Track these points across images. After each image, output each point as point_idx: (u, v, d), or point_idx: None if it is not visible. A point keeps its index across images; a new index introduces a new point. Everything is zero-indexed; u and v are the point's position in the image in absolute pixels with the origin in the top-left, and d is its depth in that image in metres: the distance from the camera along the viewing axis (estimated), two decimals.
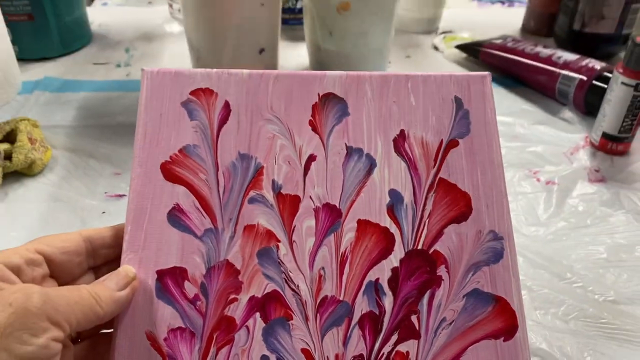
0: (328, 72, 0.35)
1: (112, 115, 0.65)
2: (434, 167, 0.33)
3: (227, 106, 0.34)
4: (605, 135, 0.59)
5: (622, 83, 0.56)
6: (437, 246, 0.32)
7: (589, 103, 0.66)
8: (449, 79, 0.35)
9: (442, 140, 0.33)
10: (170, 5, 0.94)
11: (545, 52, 0.72)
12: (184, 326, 0.30)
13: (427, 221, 0.32)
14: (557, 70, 0.69)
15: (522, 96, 0.72)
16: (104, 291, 0.28)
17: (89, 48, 0.80)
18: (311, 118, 0.34)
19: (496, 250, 0.32)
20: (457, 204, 0.33)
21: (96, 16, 0.87)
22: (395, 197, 0.33)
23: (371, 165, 0.33)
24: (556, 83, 0.69)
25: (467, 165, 0.33)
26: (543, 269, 0.46)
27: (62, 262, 0.30)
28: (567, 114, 0.67)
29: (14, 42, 0.68)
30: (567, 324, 0.42)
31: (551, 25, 0.84)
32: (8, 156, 0.53)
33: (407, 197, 0.33)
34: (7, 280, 0.26)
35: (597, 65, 0.67)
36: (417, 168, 0.33)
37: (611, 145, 0.60)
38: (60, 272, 0.30)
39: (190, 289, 0.30)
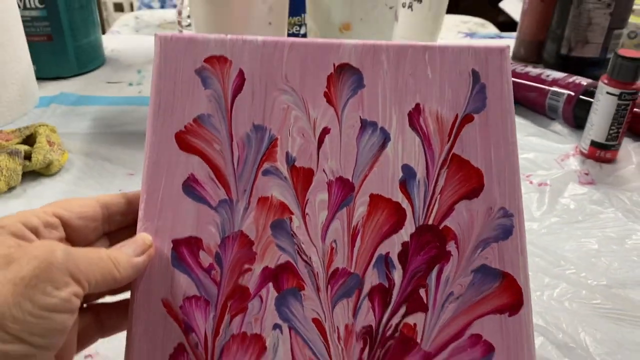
0: (344, 41, 0.34)
1: (125, 125, 0.66)
2: (447, 142, 0.33)
3: (241, 75, 0.33)
4: (593, 144, 0.61)
5: (607, 93, 0.58)
6: (448, 222, 0.32)
7: (577, 117, 0.68)
8: (467, 51, 0.34)
9: (457, 115, 0.33)
10: (180, 31, 0.92)
11: (535, 71, 0.75)
12: (199, 294, 0.30)
13: (438, 197, 0.32)
14: (546, 87, 0.71)
15: (515, 112, 0.71)
16: (121, 256, 0.28)
17: (102, 69, 0.82)
18: (326, 89, 0.33)
19: (506, 227, 0.32)
20: (469, 181, 0.32)
21: (109, 42, 0.89)
22: (408, 172, 0.32)
23: (385, 139, 0.33)
24: (546, 99, 0.71)
25: (481, 141, 0.33)
26: (538, 257, 0.47)
27: (78, 226, 0.30)
28: (558, 127, 0.69)
29: (33, 60, 0.70)
30: (562, 304, 0.42)
31: (540, 52, 0.88)
32: (27, 156, 0.54)
33: (420, 172, 0.32)
34: (26, 239, 0.27)
35: (584, 81, 0.69)
36: (431, 143, 0.33)
37: (599, 153, 0.61)
38: (76, 236, 0.30)
39: (205, 259, 0.31)
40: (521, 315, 0.31)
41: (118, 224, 0.32)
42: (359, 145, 0.33)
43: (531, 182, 0.57)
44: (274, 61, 0.33)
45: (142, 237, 0.30)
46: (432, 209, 0.32)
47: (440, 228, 0.32)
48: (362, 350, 0.31)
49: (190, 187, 0.31)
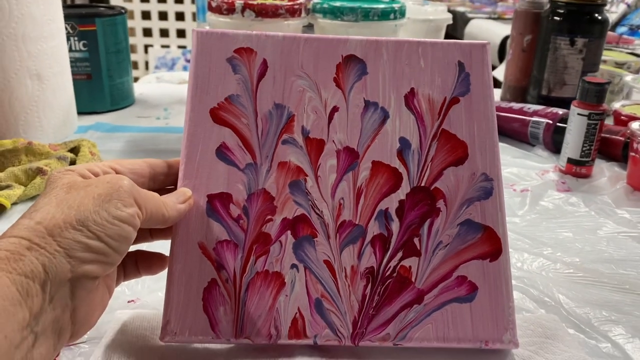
0: (350, 37, 0.39)
1: (156, 145, 0.72)
2: (437, 119, 0.38)
3: (264, 63, 0.38)
4: (570, 160, 0.66)
5: (578, 114, 0.64)
6: (437, 184, 0.36)
7: (556, 141, 0.74)
8: (454, 46, 0.39)
9: (445, 98, 0.38)
10: None
11: (518, 105, 0.82)
12: (229, 239, 0.35)
13: (430, 164, 0.37)
14: (527, 117, 0.78)
15: (501, 141, 0.76)
16: (168, 200, 0.32)
17: (132, 107, 0.90)
18: (335, 75, 0.38)
19: (487, 189, 0.36)
20: (455, 151, 0.37)
21: (138, 88, 0.97)
22: (404, 143, 0.37)
23: (385, 116, 0.38)
24: (527, 127, 0.77)
25: (466, 119, 0.38)
26: (520, 241, 0.50)
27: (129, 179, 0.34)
28: (539, 151, 0.75)
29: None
30: (540, 274, 0.46)
31: (524, 96, 0.96)
32: (72, 162, 0.60)
33: (414, 143, 0.37)
34: (89, 178, 0.31)
35: (560, 111, 0.76)
36: (424, 120, 0.38)
37: (575, 169, 0.66)
38: None
39: (235, 210, 0.35)
40: (500, 261, 0.35)
41: (160, 184, 0.36)
42: (363, 121, 0.37)
43: (514, 189, 0.61)
44: (292, 52, 0.38)
45: (183, 190, 0.35)
46: (425, 174, 0.37)
47: (431, 189, 0.36)
48: (365, 287, 0.34)
49: (222, 152, 0.36)
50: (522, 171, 0.66)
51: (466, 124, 0.37)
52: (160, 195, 0.34)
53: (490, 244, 0.35)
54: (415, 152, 0.37)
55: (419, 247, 0.35)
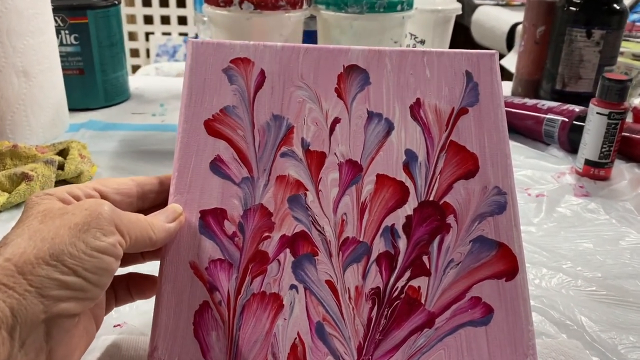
0: (352, 47, 0.38)
1: (150, 145, 0.71)
2: (445, 130, 0.36)
3: (262, 74, 0.37)
4: (587, 162, 0.65)
5: (597, 113, 0.63)
6: (447, 198, 0.35)
7: (572, 140, 0.72)
8: (461, 55, 0.38)
9: (453, 108, 0.37)
10: None
11: (531, 101, 0.80)
12: (223, 258, 0.33)
13: (438, 177, 0.36)
14: (542, 115, 0.76)
15: (514, 139, 0.76)
16: (156, 221, 0.31)
17: (127, 103, 0.88)
18: (337, 86, 0.37)
19: (500, 203, 0.35)
20: (465, 163, 0.36)
21: (133, 82, 0.96)
22: (411, 155, 0.36)
23: (389, 128, 0.36)
24: (542, 125, 0.75)
25: (476, 130, 0.36)
26: (536, 254, 0.49)
27: (115, 201, 0.33)
28: (554, 151, 0.73)
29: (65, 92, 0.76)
30: (560, 291, 0.45)
31: (537, 90, 0.94)
32: (61, 167, 0.58)
33: (421, 156, 0.36)
34: (69, 203, 0.30)
35: (577, 108, 0.74)
36: (431, 131, 0.36)
37: (594, 171, 0.65)
38: None
39: (229, 227, 0.34)
40: (517, 281, 0.34)
41: (151, 202, 0.35)
42: (366, 132, 0.36)
43: (529, 194, 0.60)
44: (291, 62, 0.37)
45: (173, 206, 0.33)
46: (433, 188, 0.35)
47: (440, 204, 0.35)
48: (371, 309, 0.33)
49: (217, 166, 0.35)
50: (537, 174, 0.64)
51: (476, 135, 0.36)
52: (151, 213, 0.33)
53: (506, 262, 0.34)
54: (423, 164, 0.36)
55: (428, 266, 0.34)
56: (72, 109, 0.79)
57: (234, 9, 0.66)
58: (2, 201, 0.52)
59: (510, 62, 1.58)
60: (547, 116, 0.75)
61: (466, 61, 0.38)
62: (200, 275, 0.33)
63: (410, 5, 0.73)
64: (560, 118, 0.73)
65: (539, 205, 0.58)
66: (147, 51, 2.24)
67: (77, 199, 0.31)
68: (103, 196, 0.33)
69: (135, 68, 2.13)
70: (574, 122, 0.72)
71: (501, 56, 1.65)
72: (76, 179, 0.58)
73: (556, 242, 0.51)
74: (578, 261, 0.48)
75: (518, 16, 1.83)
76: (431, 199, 0.35)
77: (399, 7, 0.71)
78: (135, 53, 2.23)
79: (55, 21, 0.76)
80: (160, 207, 0.35)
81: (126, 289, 0.35)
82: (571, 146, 0.72)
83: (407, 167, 0.36)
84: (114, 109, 0.84)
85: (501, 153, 0.36)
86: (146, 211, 0.35)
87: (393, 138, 0.36)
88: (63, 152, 0.60)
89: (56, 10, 0.75)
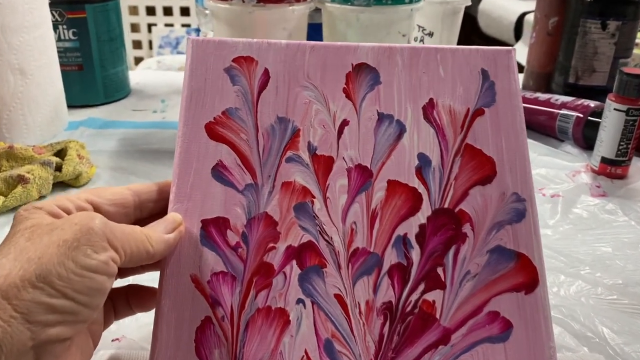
0: (361, 44, 0.36)
1: (150, 144, 0.69)
2: (460, 133, 0.34)
3: (266, 73, 0.35)
4: (604, 160, 0.62)
5: (615, 109, 0.60)
6: (463, 206, 0.33)
7: (587, 137, 0.70)
8: (477, 53, 0.36)
9: (468, 109, 0.35)
10: None
11: (544, 96, 0.78)
12: (226, 270, 0.32)
13: (453, 183, 0.34)
14: (555, 110, 0.74)
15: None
16: (154, 232, 0.30)
17: (128, 99, 0.86)
18: (345, 86, 0.35)
19: (519, 210, 0.33)
20: (482, 168, 0.34)
21: (134, 77, 0.94)
22: (424, 160, 0.34)
23: (401, 130, 0.34)
24: (555, 121, 0.73)
25: (492, 132, 0.35)
26: (553, 259, 0.47)
27: (109, 212, 0.31)
28: (568, 147, 0.71)
29: (64, 89, 0.74)
30: (579, 300, 0.43)
31: (548, 83, 0.91)
32: (58, 168, 0.57)
33: (435, 160, 0.34)
34: (60, 217, 0.28)
35: (592, 103, 0.71)
36: (445, 134, 0.34)
37: (610, 169, 0.62)
38: None
39: (232, 237, 0.32)
40: (537, 294, 0.32)
41: (149, 211, 0.34)
42: (377, 135, 0.34)
43: (544, 194, 0.58)
44: (297, 61, 0.35)
45: (173, 216, 0.32)
46: (447, 194, 0.34)
47: (455, 211, 0.33)
48: (383, 324, 0.32)
49: (219, 172, 0.33)
50: (551, 172, 0.62)
51: (493, 138, 0.34)
52: (150, 223, 0.31)
53: (525, 274, 0.32)
54: (437, 169, 0.34)
55: (443, 278, 0.32)
56: (71, 105, 0.77)
57: (237, 3, 0.64)
58: None
59: (519, 53, 1.56)
60: (561, 112, 0.73)
61: (482, 58, 0.36)
62: (202, 289, 0.31)
63: None
64: (574, 114, 0.71)
65: (554, 207, 0.56)
66: (150, 43, 2.22)
67: (68, 212, 0.29)
68: (96, 208, 0.31)
69: (137, 60, 2.11)
70: (589, 117, 0.70)
71: (509, 46, 1.63)
72: (74, 180, 0.56)
73: (573, 245, 0.49)
74: (597, 267, 0.46)
75: (526, 5, 1.80)
76: (446, 206, 0.33)
77: None
78: (137, 45, 2.21)
79: (53, 16, 0.74)
80: (160, 216, 0.33)
81: (125, 301, 0.34)
82: (586, 143, 0.70)
83: (420, 172, 0.34)
84: (113, 105, 0.83)
85: (520, 157, 0.34)
86: (144, 221, 0.34)
87: (405, 141, 0.34)
88: (61, 153, 0.59)
89: (53, 4, 0.73)
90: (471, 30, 1.97)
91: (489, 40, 1.94)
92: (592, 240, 0.50)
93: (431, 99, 0.35)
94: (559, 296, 0.43)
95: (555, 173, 0.62)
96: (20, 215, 0.27)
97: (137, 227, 0.29)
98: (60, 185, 0.57)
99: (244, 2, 0.64)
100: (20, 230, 0.26)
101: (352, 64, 0.36)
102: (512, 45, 1.54)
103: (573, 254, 0.48)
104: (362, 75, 0.35)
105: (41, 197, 0.55)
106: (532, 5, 1.54)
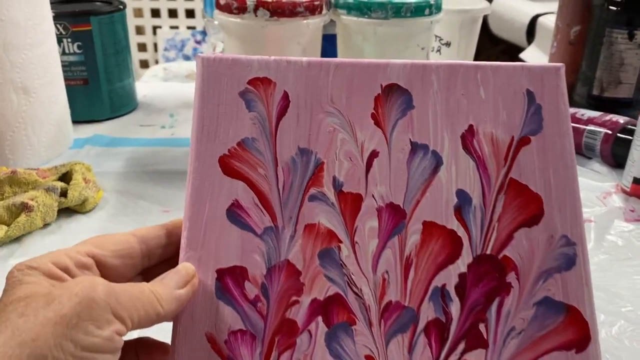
0: (391, 61, 0.32)
1: (158, 164, 0.65)
2: (504, 166, 0.31)
3: (286, 97, 0.31)
4: (636, 180, 0.59)
5: None
6: (507, 251, 0.29)
7: (616, 155, 0.66)
8: (521, 70, 0.32)
9: (513, 137, 0.31)
10: None
11: (569, 110, 0.72)
12: (244, 328, 0.28)
13: (496, 224, 0.30)
14: (582, 126, 0.70)
15: None
16: (163, 289, 0.26)
17: (135, 113, 0.83)
18: (373, 111, 0.31)
19: (568, 256, 0.29)
20: (528, 207, 0.30)
21: (141, 89, 0.90)
22: (463, 198, 0.30)
23: (437, 163, 0.31)
24: (582, 137, 0.69)
25: (539, 164, 0.31)
26: None
27: (115, 266, 0.28)
28: (596, 165, 0.67)
29: (69, 104, 0.71)
30: (622, 343, 0.39)
31: (570, 94, 0.87)
32: (63, 193, 0.53)
33: (476, 198, 0.30)
34: (60, 279, 0.25)
35: (621, 119, 0.67)
36: (487, 167, 0.31)
37: None
38: (112, 275, 0.28)
39: (251, 290, 0.29)
40: (589, 352, 0.28)
41: (158, 258, 0.30)
42: (410, 169, 0.31)
43: None
44: (320, 82, 0.31)
45: (185, 267, 0.28)
46: (490, 238, 0.30)
47: (499, 258, 0.29)
48: None
49: (235, 213, 0.30)
50: (581, 194, 0.58)
51: (540, 171, 0.30)
52: (158, 270, 0.27)
53: (576, 330, 0.29)
54: (478, 208, 0.30)
55: (485, 336, 0.28)
56: (76, 121, 0.74)
57: (248, 17, 0.61)
58: (0, 235, 0.47)
59: (533, 57, 1.51)
60: (588, 127, 0.69)
61: (527, 77, 0.31)
62: (219, 350, 0.28)
63: (438, 9, 0.67)
64: (602, 130, 0.67)
65: (587, 234, 0.51)
66: (155, 45, 2.19)
67: (67, 270, 0.26)
68: (99, 262, 0.27)
69: (142, 63, 2.09)
70: (619, 134, 0.66)
71: (520, 49, 1.58)
72: (80, 206, 0.53)
73: (610, 278, 0.45)
74: (639, 303, 0.42)
75: (538, 7, 1.75)
76: (488, 252, 0.29)
77: (426, 11, 0.65)
78: (142, 47, 2.18)
79: (57, 29, 0.71)
80: (169, 263, 0.30)
81: (134, 355, 0.30)
82: (615, 161, 0.66)
83: (459, 212, 0.30)
84: (120, 120, 0.79)
85: (570, 193, 0.30)
86: (152, 269, 0.30)
87: (442, 176, 0.30)
88: (66, 176, 0.55)
89: (57, 17, 0.70)
90: (481, 34, 1.92)
91: (499, 42, 1.89)
92: (631, 272, 0.46)
93: (471, 126, 0.31)
94: (601, 339, 0.39)
95: (585, 195, 0.58)
96: (14, 278, 0.24)
97: (144, 287, 0.25)
98: (66, 211, 0.54)
99: (256, 16, 0.60)
100: (12, 302, 0.23)
101: (382, 85, 0.31)
102: (524, 48, 1.50)
103: (611, 288, 0.44)
104: (393, 98, 0.31)
105: (46, 225, 0.51)
106: (545, 7, 1.50)
